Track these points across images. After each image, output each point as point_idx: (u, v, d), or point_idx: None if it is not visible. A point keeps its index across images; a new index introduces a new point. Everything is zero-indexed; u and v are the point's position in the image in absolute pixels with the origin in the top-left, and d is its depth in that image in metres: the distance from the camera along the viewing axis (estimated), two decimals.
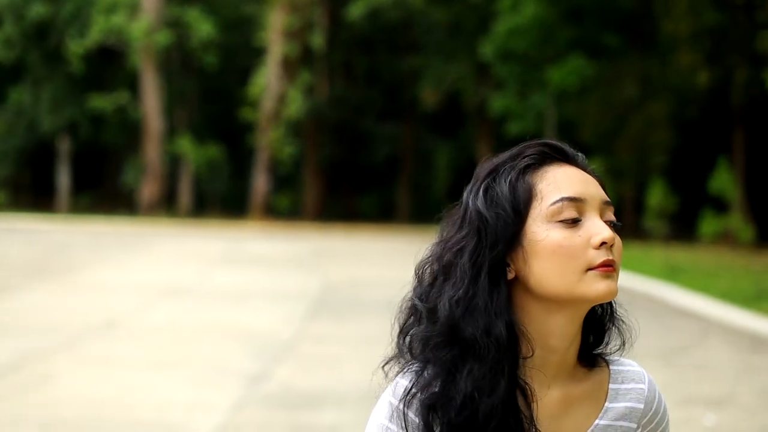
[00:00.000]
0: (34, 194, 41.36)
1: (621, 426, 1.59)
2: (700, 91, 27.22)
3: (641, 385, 1.62)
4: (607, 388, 1.59)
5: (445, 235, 1.57)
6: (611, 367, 1.61)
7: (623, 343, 1.63)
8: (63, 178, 39.37)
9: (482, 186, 1.54)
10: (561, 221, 1.50)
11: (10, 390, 7.22)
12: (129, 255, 20.10)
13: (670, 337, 10.56)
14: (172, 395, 7.21)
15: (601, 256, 1.49)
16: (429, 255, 1.59)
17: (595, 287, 1.49)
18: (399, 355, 1.57)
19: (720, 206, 24.16)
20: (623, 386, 1.60)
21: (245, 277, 16.06)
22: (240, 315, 11.49)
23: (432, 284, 1.55)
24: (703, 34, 26.45)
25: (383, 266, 17.86)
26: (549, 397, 1.55)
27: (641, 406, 1.61)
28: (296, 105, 35.58)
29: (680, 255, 19.96)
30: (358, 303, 12.54)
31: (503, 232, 1.50)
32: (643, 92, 27.12)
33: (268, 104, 36.22)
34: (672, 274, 16.02)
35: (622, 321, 1.65)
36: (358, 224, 33.98)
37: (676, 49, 26.86)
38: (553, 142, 1.58)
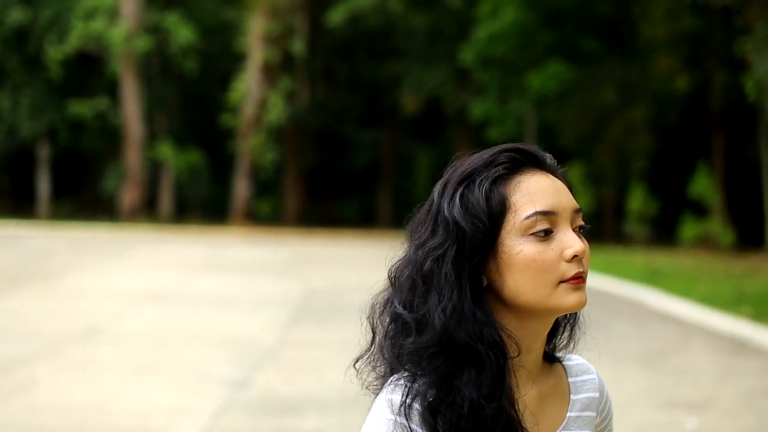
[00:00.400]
0: (13, 200, 41.15)
1: (587, 416, 1.66)
2: (679, 95, 27.36)
3: (592, 375, 1.69)
4: (568, 382, 1.65)
5: (417, 238, 1.57)
6: (563, 362, 1.67)
7: (570, 339, 1.67)
8: (43, 184, 39.20)
9: (457, 192, 1.54)
10: (533, 234, 1.52)
11: None
12: (110, 261, 20.03)
13: (650, 341, 10.61)
14: (154, 401, 7.19)
15: (572, 269, 1.53)
16: (404, 259, 1.59)
17: (567, 299, 1.53)
18: (383, 362, 1.58)
19: (700, 210, 24.29)
20: (579, 378, 1.67)
21: (227, 282, 16.03)
22: (222, 321, 11.47)
23: (413, 292, 1.55)
24: (682, 39, 26.59)
25: (365, 272, 17.84)
26: (528, 395, 1.59)
27: (597, 394, 1.68)
28: (277, 111, 35.55)
29: (661, 259, 20.04)
30: (340, 308, 12.54)
31: (480, 243, 1.52)
32: (622, 97, 27.23)
33: (248, 110, 36.18)
34: (653, 279, 16.08)
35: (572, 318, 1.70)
36: (340, 230, 33.97)
37: (655, 54, 26.99)
38: (525, 147, 1.59)
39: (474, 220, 1.52)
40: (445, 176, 1.58)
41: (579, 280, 1.53)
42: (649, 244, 23.65)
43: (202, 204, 40.33)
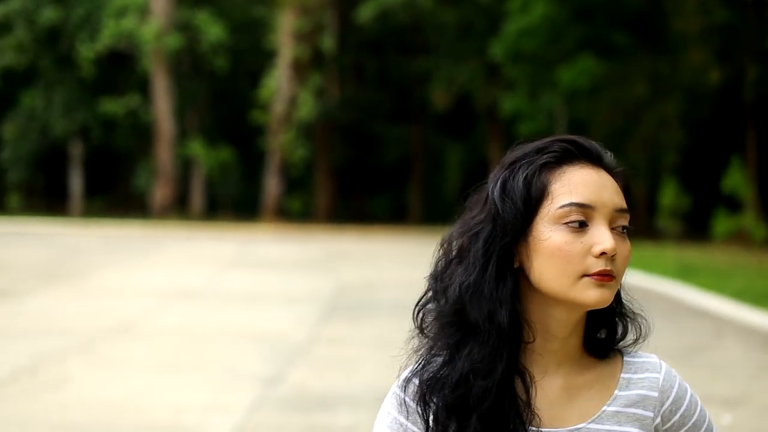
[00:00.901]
0: (47, 198, 41.48)
1: (634, 413, 1.63)
2: (712, 89, 27.15)
3: (655, 375, 1.65)
4: (619, 378, 1.64)
5: (466, 213, 1.64)
6: (626, 358, 1.66)
7: (636, 339, 1.68)
8: (75, 182, 39.48)
9: (502, 175, 1.59)
10: (566, 224, 1.55)
11: (25, 393, 7.24)
12: (141, 258, 20.14)
13: (683, 337, 10.54)
14: (187, 398, 7.21)
15: (598, 265, 1.54)
16: (454, 229, 1.65)
17: (587, 294, 1.55)
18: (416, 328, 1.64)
19: (733, 205, 24.10)
20: (636, 376, 1.65)
21: (258, 279, 16.07)
22: (253, 317, 11.50)
23: (448, 262, 1.61)
24: (713, 32, 26.38)
25: (396, 268, 17.85)
26: (550, 385, 1.60)
27: (655, 394, 1.64)
28: (307, 107, 35.61)
29: (693, 254, 19.91)
30: (371, 305, 12.54)
31: (512, 225, 1.56)
32: (653, 91, 27.06)
33: (279, 107, 36.26)
34: (685, 274, 15.98)
35: (639, 316, 1.70)
36: (370, 226, 33.99)
37: (687, 48, 26.79)
38: (582, 140, 1.62)
39: (510, 203, 1.56)
40: (503, 159, 1.63)
41: (604, 277, 1.54)
42: (681, 240, 23.51)
43: (232, 201, 40.48)
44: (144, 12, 36.86)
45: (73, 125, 38.25)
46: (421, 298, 1.64)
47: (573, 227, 1.54)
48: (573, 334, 1.61)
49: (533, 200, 1.56)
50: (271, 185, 36.86)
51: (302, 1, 35.87)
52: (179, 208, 37.82)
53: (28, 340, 9.58)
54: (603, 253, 1.54)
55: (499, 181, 1.59)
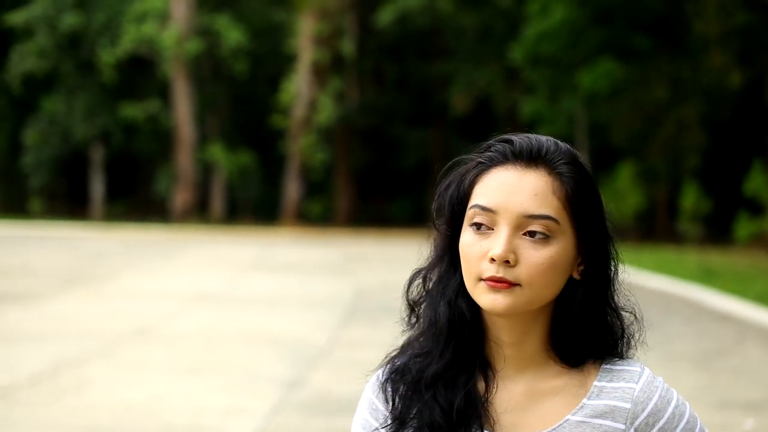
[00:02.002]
0: (68, 202, 41.68)
1: (601, 425, 1.57)
2: (733, 92, 27.02)
3: (631, 385, 1.59)
4: (591, 386, 1.59)
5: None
6: (604, 365, 1.60)
7: (614, 345, 1.62)
8: (97, 187, 39.66)
9: (446, 171, 1.66)
10: (471, 225, 1.56)
11: (47, 396, 7.27)
12: (162, 262, 20.20)
13: (706, 340, 10.48)
14: (208, 401, 7.22)
15: (489, 271, 1.53)
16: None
17: (482, 298, 1.55)
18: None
19: (755, 208, 23.96)
20: (610, 384, 1.59)
21: (278, 283, 16.09)
22: (273, 321, 11.51)
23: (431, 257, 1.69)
24: (734, 34, 26.27)
25: None
26: (512, 389, 1.58)
27: (628, 405, 1.58)
28: (327, 111, 35.65)
29: (715, 258, 19.80)
30: (392, 308, 12.47)
31: (447, 223, 1.61)
32: (674, 94, 26.96)
33: (298, 111, 36.31)
34: (707, 278, 15.89)
35: (632, 324, 1.64)
36: (390, 230, 33.98)
37: (707, 50, 26.68)
38: (518, 139, 1.61)
39: (446, 201, 1.63)
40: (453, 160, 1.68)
41: (495, 284, 1.52)
42: (702, 243, 23.41)
43: (253, 205, 40.56)
44: (164, 17, 37.00)
45: (94, 130, 38.43)
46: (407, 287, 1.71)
47: (475, 230, 1.55)
48: (526, 341, 1.58)
49: (461, 200, 1.59)
50: (291, 189, 36.92)
51: (322, 5, 35.93)
52: (200, 213, 37.93)
53: (49, 343, 9.62)
54: (499, 259, 1.52)
55: (442, 179, 1.65)
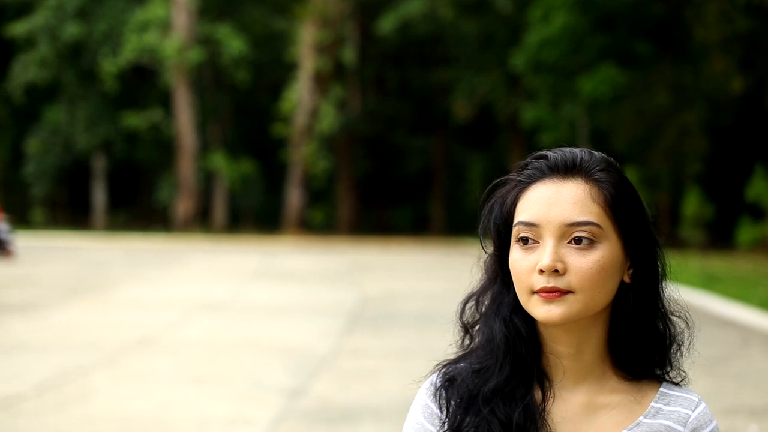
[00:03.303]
0: (71, 212, 41.72)
1: None
2: (734, 97, 27.03)
3: (687, 411, 1.64)
4: (648, 405, 1.63)
5: None
6: (662, 389, 1.65)
7: (669, 362, 1.67)
8: (99, 196, 39.69)
9: (488, 195, 1.68)
10: (517, 242, 1.60)
11: (51, 407, 7.27)
12: (165, 271, 20.20)
13: (709, 346, 10.47)
14: (211, 411, 7.23)
15: (540, 283, 1.56)
16: None
17: (536, 311, 1.57)
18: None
19: (757, 214, 23.96)
20: (667, 408, 1.63)
21: (281, 291, 16.09)
22: (276, 330, 11.51)
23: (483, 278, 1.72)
24: (736, 40, 26.29)
25: (418, 279, 17.84)
26: (571, 400, 1.61)
27: (681, 428, 1.62)
28: (329, 119, 35.68)
29: (718, 264, 19.79)
30: (395, 316, 12.53)
31: (496, 243, 1.65)
32: (676, 100, 26.97)
33: (300, 119, 36.35)
34: (710, 283, 15.89)
35: (681, 335, 1.69)
36: (393, 237, 33.97)
37: (709, 56, 26.70)
38: (553, 154, 1.64)
39: (492, 222, 1.65)
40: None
41: (547, 294, 1.55)
42: (705, 249, 23.39)
43: (255, 213, 40.57)
44: (166, 26, 37.06)
45: (96, 139, 38.47)
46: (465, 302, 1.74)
47: (522, 245, 1.58)
48: (584, 350, 1.61)
49: (505, 221, 1.63)
50: (294, 197, 36.93)
51: (323, 13, 35.98)
52: (202, 221, 37.95)
53: (52, 353, 9.62)
54: (548, 270, 1.55)
55: (486, 202, 1.67)
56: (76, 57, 38.39)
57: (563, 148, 1.65)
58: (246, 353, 9.83)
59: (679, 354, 1.67)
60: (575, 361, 1.61)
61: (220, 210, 38.89)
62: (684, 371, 1.68)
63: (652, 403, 1.63)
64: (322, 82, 36.50)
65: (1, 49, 39.67)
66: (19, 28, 37.71)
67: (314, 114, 36.18)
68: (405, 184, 40.32)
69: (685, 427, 1.62)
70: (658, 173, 27.29)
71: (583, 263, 1.56)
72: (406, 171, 39.87)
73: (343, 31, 37.16)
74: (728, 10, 25.44)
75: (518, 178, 1.64)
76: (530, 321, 1.61)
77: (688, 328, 1.70)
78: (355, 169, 38.79)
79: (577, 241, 1.56)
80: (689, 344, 1.69)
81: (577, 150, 1.64)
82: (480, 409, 1.60)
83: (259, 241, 32.09)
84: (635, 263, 1.63)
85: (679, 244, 25.87)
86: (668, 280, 1.69)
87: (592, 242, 1.57)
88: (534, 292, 1.57)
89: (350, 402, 7.46)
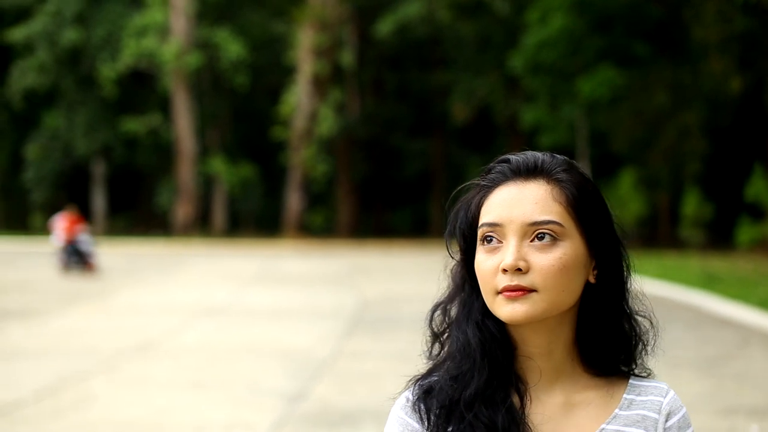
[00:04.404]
0: None
1: None
2: (733, 97, 27.04)
3: (659, 398, 1.66)
4: (621, 398, 1.65)
5: None
6: (631, 381, 1.67)
7: (635, 360, 1.68)
8: (98, 201, 39.68)
9: (453, 201, 1.70)
10: (482, 244, 1.62)
11: (50, 413, 7.26)
12: (164, 276, 20.19)
13: (709, 346, 10.46)
14: (211, 415, 7.22)
15: (503, 282, 1.58)
16: None
17: (501, 311, 1.58)
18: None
19: (756, 213, 23.96)
20: (639, 398, 1.66)
21: (281, 295, 16.08)
22: (277, 333, 11.50)
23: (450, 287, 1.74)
24: (734, 40, 26.29)
25: (418, 282, 17.83)
26: (549, 401, 1.63)
27: (656, 415, 1.65)
28: (328, 123, 35.69)
29: (717, 263, 19.78)
30: (395, 319, 12.52)
31: (463, 248, 1.66)
32: (674, 101, 26.97)
33: (299, 123, 36.35)
34: (709, 283, 15.88)
35: (648, 331, 1.70)
36: (392, 240, 33.97)
37: (707, 56, 26.70)
38: (515, 157, 1.67)
39: (458, 228, 1.67)
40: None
41: (511, 293, 1.56)
42: (704, 249, 23.39)
43: (254, 217, 40.57)
44: (164, 31, 37.07)
45: (96, 144, 38.48)
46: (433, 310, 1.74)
47: (485, 246, 1.60)
48: (554, 350, 1.62)
49: (470, 225, 1.64)
50: (293, 201, 36.93)
51: (321, 17, 35.99)
52: (201, 226, 37.94)
53: (51, 359, 9.61)
54: (509, 269, 1.56)
55: (453, 206, 1.69)
56: (75, 62, 38.40)
57: (526, 152, 1.67)
58: (246, 357, 9.81)
59: (644, 353, 1.69)
60: (547, 361, 1.63)
61: (219, 214, 38.88)
62: (649, 368, 1.70)
63: (625, 395, 1.65)
64: (320, 85, 36.51)
65: (0, 55, 39.67)
66: (17, 34, 37.72)
67: (313, 117, 36.19)
68: (404, 186, 40.33)
69: (659, 413, 1.65)
70: (658, 173, 27.30)
71: (545, 261, 1.57)
72: (405, 174, 39.87)
73: (342, 34, 37.17)
74: (726, 10, 25.44)
75: (482, 183, 1.66)
76: (501, 324, 1.63)
77: (653, 327, 1.71)
78: (354, 172, 38.79)
79: (540, 238, 1.58)
80: (653, 344, 1.69)
81: (539, 153, 1.67)
82: (463, 415, 1.59)
83: (259, 245, 32.08)
84: (600, 263, 1.63)
85: (679, 244, 25.87)
86: (632, 280, 1.70)
87: (554, 240, 1.58)
88: (498, 293, 1.58)
89: (350, 405, 7.45)
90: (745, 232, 23.35)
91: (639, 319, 1.70)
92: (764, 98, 27.00)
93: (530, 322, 1.58)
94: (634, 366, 1.69)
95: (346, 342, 10.90)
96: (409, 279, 18.86)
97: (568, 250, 1.58)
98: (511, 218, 1.59)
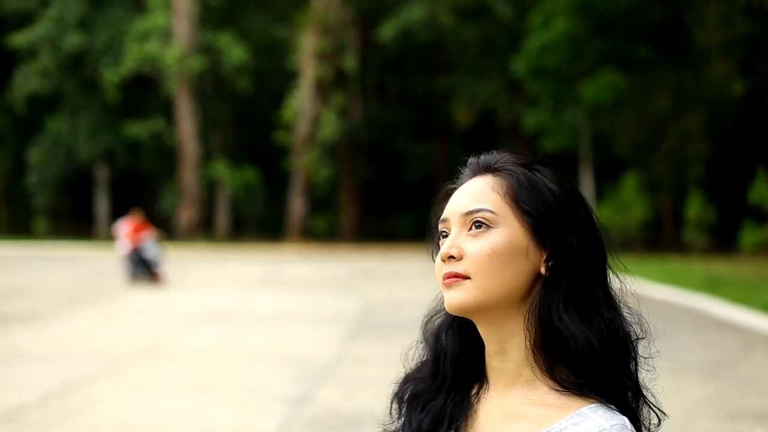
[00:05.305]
0: (73, 222, 41.73)
1: None
2: (736, 100, 27.03)
3: None
4: (556, 423, 1.51)
5: None
6: (582, 409, 1.50)
7: (609, 380, 1.52)
8: (101, 205, 39.70)
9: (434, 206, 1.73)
10: (440, 240, 1.64)
11: (55, 417, 7.27)
12: (168, 280, 20.20)
13: (713, 350, 10.46)
14: (215, 419, 7.22)
15: (442, 271, 1.60)
16: None
17: (445, 300, 1.60)
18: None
19: (760, 216, 23.94)
20: (573, 428, 1.49)
21: (284, 299, 16.09)
22: (280, 338, 11.51)
23: None
24: (736, 43, 26.29)
25: (421, 286, 17.82)
26: (498, 405, 1.58)
27: None
28: (330, 127, 35.71)
29: (721, 267, 19.77)
30: (398, 323, 12.52)
31: (434, 250, 1.67)
32: (677, 104, 26.97)
33: (302, 127, 36.37)
34: (713, 287, 15.87)
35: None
36: (395, 244, 33.96)
37: (709, 60, 26.70)
38: (475, 158, 1.69)
39: (432, 229, 1.69)
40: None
41: (447, 280, 1.58)
42: (708, 252, 23.37)
43: (258, 221, 40.58)
44: (167, 36, 37.11)
45: (99, 149, 38.52)
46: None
47: (441, 241, 1.63)
48: (507, 350, 1.56)
49: (438, 225, 1.67)
50: (296, 205, 36.94)
51: (324, 21, 36.01)
52: (205, 230, 37.95)
53: (56, 363, 9.62)
54: (449, 257, 1.58)
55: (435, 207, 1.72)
56: (78, 67, 38.44)
57: (493, 152, 1.68)
58: (250, 362, 9.82)
59: (622, 371, 1.52)
60: (501, 362, 1.57)
61: (222, 218, 38.90)
62: (632, 395, 1.52)
63: (562, 421, 1.50)
64: (323, 89, 36.53)
65: (3, 59, 39.73)
66: (20, 39, 37.77)
67: (316, 122, 36.20)
68: (407, 190, 40.33)
69: None
70: (661, 177, 27.29)
71: (474, 246, 1.56)
72: (407, 178, 39.87)
73: (344, 38, 37.19)
74: (728, 13, 25.45)
75: (449, 186, 1.70)
76: (469, 321, 1.63)
77: (647, 335, 1.57)
78: (357, 177, 38.79)
79: (478, 227, 1.58)
80: (636, 362, 1.53)
81: (505, 153, 1.66)
82: (418, 406, 1.66)
83: (262, 250, 32.08)
84: (556, 255, 1.55)
85: (682, 247, 25.85)
86: (615, 279, 1.58)
87: (486, 228, 1.58)
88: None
89: (354, 409, 7.45)
90: (749, 235, 23.33)
91: (630, 326, 1.55)
92: (767, 101, 26.99)
93: (468, 311, 1.55)
94: (607, 387, 1.51)
95: (350, 346, 10.91)
96: (413, 283, 18.86)
97: (500, 236, 1.55)
98: (452, 210, 1.62)
